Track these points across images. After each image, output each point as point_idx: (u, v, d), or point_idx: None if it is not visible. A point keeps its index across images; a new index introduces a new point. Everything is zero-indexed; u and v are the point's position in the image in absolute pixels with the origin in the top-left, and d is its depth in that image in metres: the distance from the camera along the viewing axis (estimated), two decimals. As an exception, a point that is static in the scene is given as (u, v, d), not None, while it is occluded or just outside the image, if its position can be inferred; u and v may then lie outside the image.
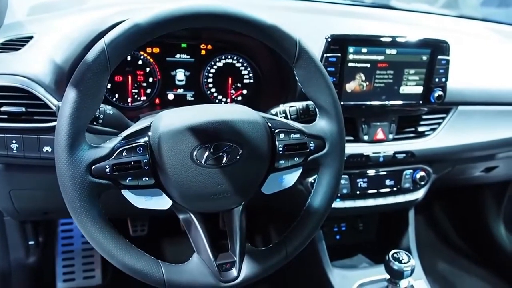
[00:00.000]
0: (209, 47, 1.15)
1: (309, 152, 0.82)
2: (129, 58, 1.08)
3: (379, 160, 1.20)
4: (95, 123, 0.80)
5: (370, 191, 1.24)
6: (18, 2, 1.10)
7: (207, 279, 0.77)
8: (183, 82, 1.15)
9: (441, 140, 1.27)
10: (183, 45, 1.12)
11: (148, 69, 1.10)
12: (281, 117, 0.95)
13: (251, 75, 1.21)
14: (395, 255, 1.07)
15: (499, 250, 1.96)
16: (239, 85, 1.21)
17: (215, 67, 1.17)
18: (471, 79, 1.34)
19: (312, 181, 1.16)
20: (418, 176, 1.27)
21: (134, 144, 0.70)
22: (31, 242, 1.49)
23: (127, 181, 0.70)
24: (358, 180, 1.22)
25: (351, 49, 1.09)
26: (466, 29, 1.59)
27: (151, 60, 1.10)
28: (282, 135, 0.80)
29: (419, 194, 1.30)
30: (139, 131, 0.72)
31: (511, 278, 1.87)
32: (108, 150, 0.69)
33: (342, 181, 1.20)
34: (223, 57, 1.17)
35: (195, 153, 0.71)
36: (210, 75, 1.17)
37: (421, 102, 1.19)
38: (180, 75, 1.14)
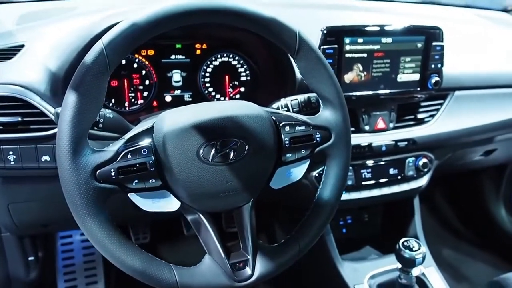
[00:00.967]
0: (204, 46, 1.14)
1: (315, 144, 0.81)
2: (124, 61, 1.07)
3: (381, 149, 1.19)
4: (95, 128, 0.78)
5: (374, 181, 1.23)
6: (6, 12, 1.08)
7: (221, 279, 0.76)
8: (180, 83, 1.13)
9: (441, 126, 1.27)
10: (178, 46, 1.11)
11: (144, 72, 1.08)
12: (283, 111, 0.94)
13: (248, 72, 1.20)
14: (405, 243, 1.07)
15: (501, 232, 1.97)
16: (236, 83, 1.19)
17: (211, 66, 1.15)
18: (465, 64, 1.34)
19: (317, 175, 1.15)
20: (421, 163, 1.27)
21: (138, 146, 0.68)
22: (30, 258, 1.46)
23: (134, 184, 0.68)
24: (362, 171, 1.21)
25: (347, 40, 1.08)
26: (455, 16, 1.60)
27: (146, 62, 1.08)
28: (287, 128, 0.79)
29: (423, 181, 1.29)
30: (142, 133, 0.71)
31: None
32: (112, 154, 0.67)
33: (347, 173, 1.19)
34: (219, 56, 1.16)
35: (201, 151, 0.69)
36: (207, 74, 1.15)
37: (418, 89, 1.19)
38: (177, 76, 1.12)
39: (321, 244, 1.26)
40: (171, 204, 0.73)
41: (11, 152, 0.87)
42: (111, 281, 1.69)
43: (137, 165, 0.68)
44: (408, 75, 1.17)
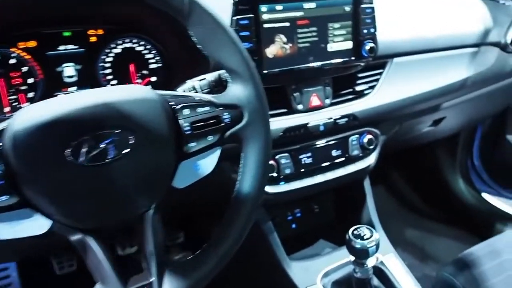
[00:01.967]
0: (100, 31, 0.97)
1: (224, 127, 0.67)
2: (-3, 58, 0.88)
3: (319, 129, 1.06)
4: None
5: (316, 166, 1.10)
6: None
7: None
8: (75, 79, 0.95)
9: (382, 97, 1.15)
10: (66, 34, 0.93)
11: (25, 69, 0.90)
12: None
13: (157, 58, 1.04)
14: (355, 232, 0.94)
15: (461, 204, 1.91)
16: (145, 72, 1.03)
17: (111, 55, 0.98)
18: (402, 28, 1.23)
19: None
20: (365, 140, 1.15)
21: None
22: None
23: None
24: (300, 156, 1.08)
25: (263, 8, 0.94)
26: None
27: (27, 57, 0.90)
28: (186, 111, 0.65)
29: (371, 160, 1.17)
30: None
31: (476, 230, 1.81)
32: None
33: (283, 161, 1.05)
34: (120, 42, 0.99)
35: (69, 150, 0.53)
36: (107, 65, 0.98)
37: (353, 58, 1.06)
38: (69, 70, 0.94)
39: (265, 245, 1.12)
40: (37, 225, 0.56)
41: None
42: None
43: None
44: (340, 43, 1.05)
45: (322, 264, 1.10)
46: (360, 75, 1.14)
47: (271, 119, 1.01)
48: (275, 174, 1.04)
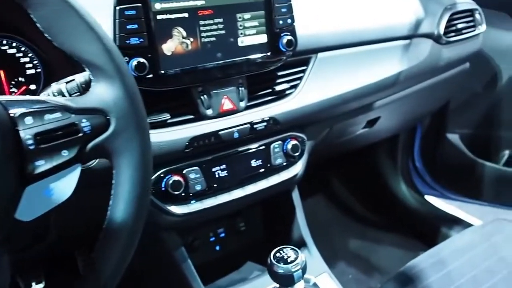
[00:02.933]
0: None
1: (84, 137, 0.52)
2: None
3: (233, 136, 0.91)
4: None
5: (233, 180, 0.95)
6: None
7: None
8: None
9: (307, 97, 1.02)
10: None
11: None
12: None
13: (35, 62, 0.86)
14: (277, 254, 0.80)
15: (405, 209, 1.82)
16: (21, 79, 0.85)
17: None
18: (326, 20, 1.11)
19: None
20: (289, 146, 1.01)
21: None
22: None
23: None
24: (214, 169, 0.92)
25: (154, -5, 0.79)
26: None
27: None
28: (29, 120, 0.49)
29: (297, 168, 1.03)
30: None
31: (422, 236, 1.72)
32: None
33: (192, 175, 0.89)
34: (-18, 45, 0.81)
35: None
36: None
37: (269, 53, 0.93)
38: None
39: (177, 276, 0.95)
40: None
41: None
42: None
43: None
44: (252, 37, 0.91)
45: (245, 292, 0.95)
46: (280, 73, 1.01)
47: (175, 128, 0.87)
48: (182, 193, 0.88)
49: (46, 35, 0.53)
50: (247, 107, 0.94)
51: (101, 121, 0.53)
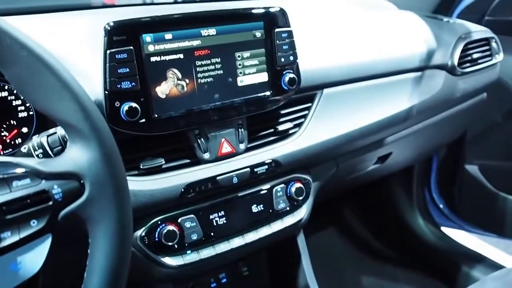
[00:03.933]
0: None
1: (54, 206, 0.48)
2: None
3: (232, 181, 0.86)
4: None
5: (232, 228, 0.89)
6: None
7: None
8: None
9: (312, 136, 0.96)
10: None
11: None
12: (37, 154, 0.59)
13: (28, 105, 0.83)
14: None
15: (422, 244, 1.74)
16: (13, 122, 0.82)
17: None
18: (332, 54, 1.06)
19: None
20: (293, 190, 0.95)
21: None
22: None
23: None
24: (211, 217, 0.87)
25: (147, 38, 0.75)
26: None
27: None
28: None
29: (301, 213, 0.97)
30: None
31: (440, 272, 1.63)
32: None
33: (188, 224, 0.84)
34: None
35: None
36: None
37: (270, 92, 0.88)
38: None
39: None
40: None
41: None
42: None
43: None
44: (252, 76, 0.87)
45: None
46: (283, 111, 0.96)
47: (170, 174, 0.82)
48: (177, 244, 0.83)
49: (18, 93, 0.49)
50: (247, 149, 0.90)
51: (74, 187, 0.49)
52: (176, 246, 0.82)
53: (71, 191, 0.48)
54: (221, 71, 0.83)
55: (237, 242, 0.89)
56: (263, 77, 0.88)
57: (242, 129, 0.89)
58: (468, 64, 1.31)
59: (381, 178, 1.61)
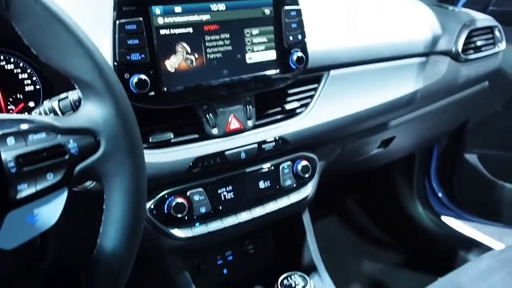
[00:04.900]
0: None
1: (71, 160, 0.48)
2: None
3: (240, 157, 0.87)
4: None
5: (239, 202, 0.90)
6: None
7: None
8: None
9: (318, 116, 0.97)
10: None
11: None
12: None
13: (34, 78, 0.83)
14: (285, 281, 0.75)
15: (421, 232, 1.76)
16: (19, 96, 0.82)
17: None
18: (340, 36, 1.07)
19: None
20: (299, 167, 0.96)
21: None
22: None
23: None
24: (219, 191, 0.88)
25: (157, 10, 0.76)
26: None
27: None
28: (11, 141, 0.45)
29: (307, 190, 0.98)
30: None
31: (439, 259, 1.65)
32: None
33: (196, 197, 0.85)
34: (-21, 61, 0.79)
35: None
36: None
37: (278, 70, 0.89)
38: None
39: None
40: None
41: None
42: None
43: None
44: (261, 53, 0.87)
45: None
46: (291, 91, 0.97)
47: (179, 147, 0.83)
48: (186, 216, 0.83)
49: (32, 49, 0.50)
50: (255, 126, 0.90)
51: (90, 142, 0.49)
52: (185, 218, 0.83)
53: (87, 146, 0.49)
54: (230, 47, 0.84)
55: (244, 216, 0.90)
56: (272, 54, 0.89)
57: (250, 106, 0.89)
58: (471, 51, 1.32)
59: (383, 166, 1.62)
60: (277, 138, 0.91)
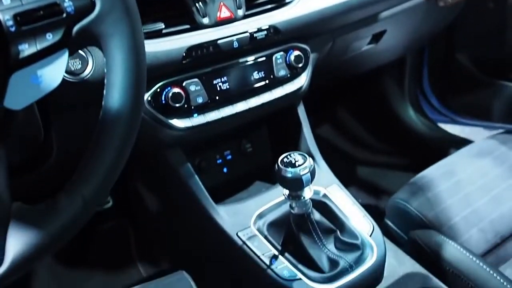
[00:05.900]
0: None
1: (68, 19, 0.49)
2: None
3: (233, 46, 0.88)
4: None
5: (235, 92, 0.92)
6: None
7: None
8: None
9: (308, 4, 0.96)
10: None
11: None
12: None
13: None
14: (285, 159, 0.78)
15: (413, 134, 1.79)
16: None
17: None
18: None
19: None
20: (292, 57, 0.97)
21: None
22: None
23: None
24: (215, 82, 0.89)
25: None
26: None
27: None
28: (6, 1, 0.46)
29: (301, 81, 1.00)
30: None
31: (431, 159, 1.70)
32: None
33: (193, 88, 0.86)
34: None
35: None
36: None
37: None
38: None
39: (185, 193, 0.94)
40: None
41: None
42: None
43: None
44: None
45: (255, 205, 0.93)
46: (281, -22, 0.95)
47: (171, 37, 0.83)
48: (184, 105, 0.85)
49: None
50: (246, 16, 0.90)
51: (85, 2, 0.50)
52: (183, 108, 0.85)
53: (82, 6, 0.49)
54: None
55: (241, 106, 0.92)
56: None
57: (239, -6, 0.88)
58: None
59: (374, 72, 1.63)
60: (268, 27, 0.91)
